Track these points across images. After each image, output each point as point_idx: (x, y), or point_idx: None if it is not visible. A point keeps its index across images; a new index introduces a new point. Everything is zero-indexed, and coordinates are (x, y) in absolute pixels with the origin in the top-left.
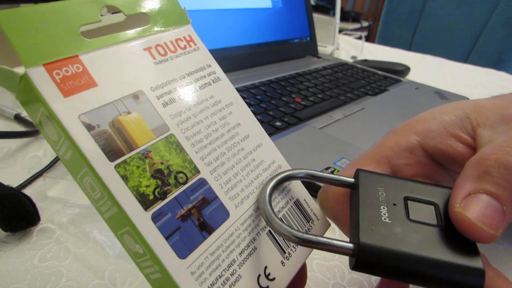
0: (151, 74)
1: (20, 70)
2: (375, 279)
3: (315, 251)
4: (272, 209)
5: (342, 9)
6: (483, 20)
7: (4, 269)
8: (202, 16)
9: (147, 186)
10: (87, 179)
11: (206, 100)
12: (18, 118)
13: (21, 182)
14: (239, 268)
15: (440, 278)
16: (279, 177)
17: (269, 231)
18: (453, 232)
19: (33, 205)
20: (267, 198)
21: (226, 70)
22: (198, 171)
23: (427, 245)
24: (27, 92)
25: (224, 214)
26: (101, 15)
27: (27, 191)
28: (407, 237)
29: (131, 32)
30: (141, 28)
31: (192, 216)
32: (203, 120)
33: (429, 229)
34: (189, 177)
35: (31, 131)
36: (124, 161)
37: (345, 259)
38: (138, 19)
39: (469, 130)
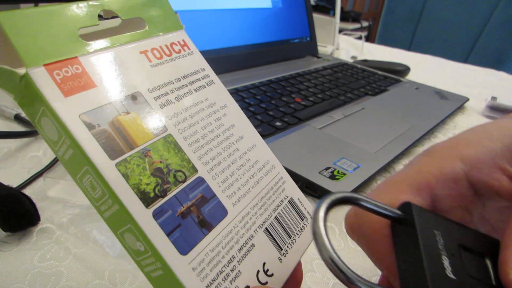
0: (148, 76)
1: (21, 71)
2: (375, 279)
3: (314, 251)
4: (339, 257)
5: (342, 9)
6: (483, 20)
7: (4, 269)
8: (203, 16)
9: (147, 184)
10: (87, 178)
11: (201, 102)
12: (18, 118)
13: (21, 182)
14: (239, 264)
15: None
16: (328, 203)
17: (266, 228)
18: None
19: (33, 205)
20: (326, 242)
21: (226, 70)
22: (196, 170)
23: None
24: (27, 92)
25: (222, 211)
26: (100, 18)
27: (27, 191)
28: None
29: (128, 36)
30: (137, 32)
31: (192, 213)
32: (199, 121)
33: (483, 285)
34: (188, 175)
35: (31, 131)
36: (125, 160)
37: (345, 259)
38: (134, 23)
39: None
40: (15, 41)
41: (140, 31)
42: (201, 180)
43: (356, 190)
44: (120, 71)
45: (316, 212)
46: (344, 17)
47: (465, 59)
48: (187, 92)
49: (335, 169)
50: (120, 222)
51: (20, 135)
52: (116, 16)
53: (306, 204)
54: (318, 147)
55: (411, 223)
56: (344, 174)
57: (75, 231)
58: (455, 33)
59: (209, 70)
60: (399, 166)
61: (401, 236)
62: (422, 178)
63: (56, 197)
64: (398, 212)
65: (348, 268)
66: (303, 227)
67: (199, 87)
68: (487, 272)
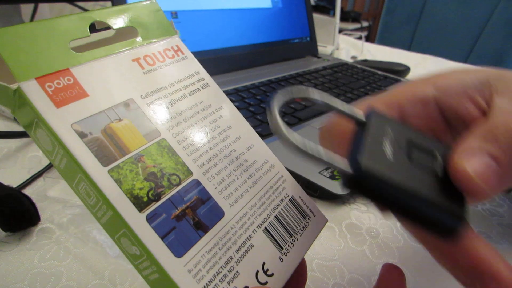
0: (141, 83)
1: (14, 86)
2: (374, 279)
3: (314, 251)
4: (282, 121)
5: (342, 9)
6: (483, 20)
7: (4, 269)
8: (203, 16)
9: (140, 189)
10: (82, 185)
11: (196, 105)
12: None
13: (21, 182)
14: (237, 265)
15: (421, 213)
16: (290, 94)
17: (266, 228)
18: (447, 182)
19: (33, 205)
20: (276, 112)
21: (226, 70)
22: (191, 173)
23: (420, 183)
24: (21, 106)
25: (219, 213)
26: (93, 30)
27: (27, 191)
28: (403, 172)
29: (120, 45)
30: (129, 41)
31: (187, 216)
32: (194, 124)
33: (426, 173)
34: (182, 178)
35: None
36: (117, 166)
37: (345, 259)
38: (126, 32)
39: (487, 96)
40: (7, 57)
41: (132, 39)
42: (196, 183)
43: None
44: (112, 79)
45: (271, 104)
46: (344, 17)
47: (465, 59)
48: (181, 96)
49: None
50: (115, 227)
51: (20, 135)
52: (108, 27)
53: (309, 202)
54: None
55: (367, 123)
56: None
57: (75, 231)
58: (455, 33)
59: (203, 73)
60: None
61: (357, 134)
62: (395, 96)
63: (56, 197)
64: (362, 117)
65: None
66: (305, 225)
67: (193, 90)
68: (431, 162)
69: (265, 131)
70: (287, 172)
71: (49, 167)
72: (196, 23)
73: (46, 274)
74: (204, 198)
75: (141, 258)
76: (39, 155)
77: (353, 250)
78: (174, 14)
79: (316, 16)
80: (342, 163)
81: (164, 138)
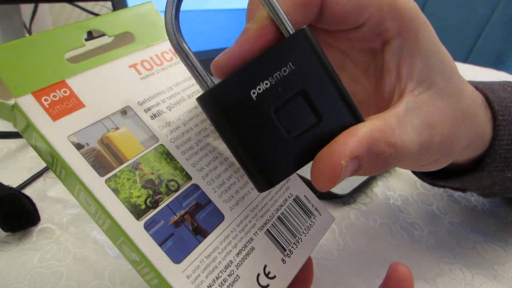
0: (138, 89)
1: (12, 102)
2: (374, 279)
3: (314, 251)
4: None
5: None
6: (483, 20)
7: (4, 269)
8: (203, 16)
9: (138, 197)
10: (81, 194)
11: (195, 108)
12: None
13: (21, 182)
14: (237, 268)
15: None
16: None
17: (268, 230)
18: (298, 148)
19: (33, 205)
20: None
21: None
22: (189, 178)
23: (255, 137)
24: (20, 120)
25: (218, 217)
26: (86, 40)
27: (27, 191)
28: (249, 119)
29: (116, 52)
30: (125, 46)
31: (185, 221)
32: (193, 127)
33: (276, 132)
34: (181, 184)
35: None
36: (115, 175)
37: (345, 259)
38: (123, 38)
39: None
40: (2, 74)
41: (128, 45)
42: (195, 187)
43: (357, 190)
44: (108, 88)
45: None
46: None
47: (465, 59)
48: (180, 100)
49: None
50: (115, 235)
51: (20, 135)
52: (104, 34)
53: (314, 200)
54: None
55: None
56: None
57: (75, 231)
58: (455, 33)
59: None
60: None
61: (265, 51)
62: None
63: (56, 197)
64: (289, 31)
65: (192, 55)
66: (310, 224)
67: (192, 93)
68: (300, 126)
69: None
70: None
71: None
72: (196, 23)
73: (46, 274)
74: (204, 202)
75: (141, 265)
76: None
77: (353, 250)
78: None
79: None
80: (203, 80)
81: (162, 144)
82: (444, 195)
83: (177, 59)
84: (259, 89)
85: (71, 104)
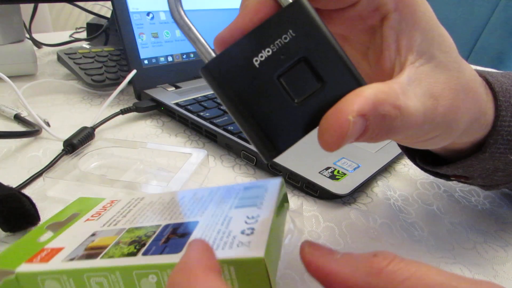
0: (99, 222)
1: (12, 276)
2: None
3: None
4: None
5: None
6: (483, 20)
7: None
8: (203, 16)
9: (128, 250)
10: (92, 279)
11: (138, 201)
12: (18, 118)
13: (21, 182)
14: (226, 228)
15: (243, 131)
16: None
17: (235, 207)
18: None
19: (33, 205)
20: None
21: None
22: (159, 225)
23: (259, 104)
24: (27, 280)
25: (193, 224)
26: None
27: (27, 191)
28: (252, 87)
29: (72, 222)
30: (76, 218)
31: (170, 238)
32: (138, 211)
33: (281, 98)
34: (156, 230)
35: (31, 131)
36: (106, 253)
37: None
38: (73, 216)
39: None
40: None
41: (77, 217)
42: (166, 226)
43: (357, 190)
44: (76, 233)
45: None
46: None
47: (465, 59)
48: (129, 210)
49: (335, 169)
50: (129, 281)
51: (20, 135)
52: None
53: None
54: (318, 147)
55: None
56: (345, 174)
57: None
58: (455, 33)
59: (145, 195)
60: (400, 166)
61: (264, 22)
62: None
63: (56, 197)
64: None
65: (193, 29)
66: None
67: (136, 203)
68: (304, 92)
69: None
70: None
71: (48, 167)
72: (196, 23)
73: None
74: (178, 226)
75: (158, 277)
76: (39, 155)
77: (353, 250)
78: None
79: None
80: (205, 51)
81: (129, 228)
82: (444, 195)
83: (111, 206)
84: (261, 56)
85: (55, 251)
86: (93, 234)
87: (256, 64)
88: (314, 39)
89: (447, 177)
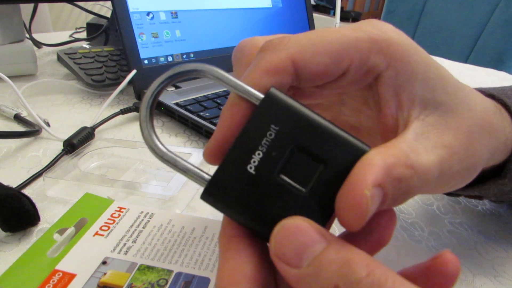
0: (107, 244)
1: None
2: None
3: None
4: (151, 119)
5: (342, 9)
6: (483, 20)
7: (4, 269)
8: (203, 16)
9: None
10: None
11: (152, 229)
12: (18, 118)
13: (21, 182)
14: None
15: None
16: (170, 73)
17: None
18: (315, 201)
19: (33, 205)
20: (146, 106)
21: (226, 70)
22: (171, 271)
23: (268, 208)
24: None
25: (206, 281)
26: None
27: (26, 191)
28: (253, 194)
29: (80, 234)
30: (84, 227)
31: None
32: (156, 241)
33: (289, 193)
34: (167, 278)
35: (31, 131)
36: None
37: None
38: (81, 222)
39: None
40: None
41: (86, 224)
42: (179, 274)
43: None
44: (86, 254)
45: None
46: (344, 17)
47: (465, 59)
48: (139, 232)
49: None
50: None
51: (20, 135)
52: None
53: None
54: None
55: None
56: None
57: None
58: (455, 33)
59: (149, 209)
60: None
61: (245, 125)
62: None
63: (56, 197)
64: (261, 97)
65: (165, 148)
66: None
67: (145, 223)
68: (310, 174)
69: None
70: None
71: (48, 167)
72: (196, 23)
73: None
74: (189, 279)
75: None
76: (39, 155)
77: None
78: (174, 14)
79: (316, 16)
80: (199, 176)
81: (140, 264)
82: (444, 195)
83: (122, 213)
84: (254, 161)
85: (66, 279)
86: (104, 262)
87: (252, 171)
88: (298, 125)
89: (458, 195)
